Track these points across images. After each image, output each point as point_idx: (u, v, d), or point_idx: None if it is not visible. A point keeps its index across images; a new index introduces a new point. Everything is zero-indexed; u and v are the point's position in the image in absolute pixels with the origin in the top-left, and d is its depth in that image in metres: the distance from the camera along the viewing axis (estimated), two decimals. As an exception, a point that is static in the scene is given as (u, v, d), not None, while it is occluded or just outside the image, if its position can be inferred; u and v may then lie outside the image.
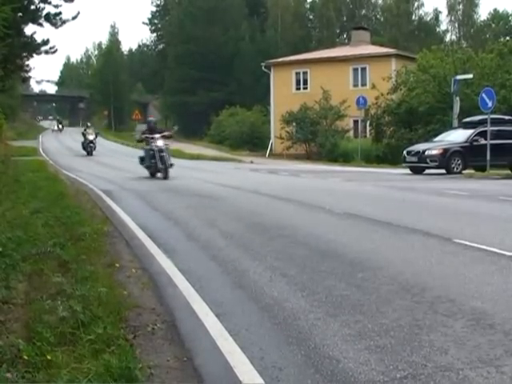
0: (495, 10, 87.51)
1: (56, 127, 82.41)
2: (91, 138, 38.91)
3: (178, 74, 71.74)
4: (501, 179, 21.41)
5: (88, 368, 3.78)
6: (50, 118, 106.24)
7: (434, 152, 23.83)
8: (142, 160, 21.00)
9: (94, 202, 13.21)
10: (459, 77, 30.33)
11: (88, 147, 38.50)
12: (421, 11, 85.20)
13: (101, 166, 29.10)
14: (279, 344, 4.38)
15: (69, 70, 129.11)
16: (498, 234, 8.69)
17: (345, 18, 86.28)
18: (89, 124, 43.46)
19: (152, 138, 20.05)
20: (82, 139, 39.74)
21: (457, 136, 24.86)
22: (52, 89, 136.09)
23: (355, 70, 45.67)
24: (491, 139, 22.47)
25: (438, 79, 34.44)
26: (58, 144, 55.37)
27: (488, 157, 22.32)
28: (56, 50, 30.01)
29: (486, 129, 22.78)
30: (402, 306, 5.18)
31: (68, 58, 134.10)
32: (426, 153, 23.90)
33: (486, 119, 22.85)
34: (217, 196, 14.52)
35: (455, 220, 10.47)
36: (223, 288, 6.03)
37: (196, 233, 9.37)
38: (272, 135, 47.96)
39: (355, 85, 45.22)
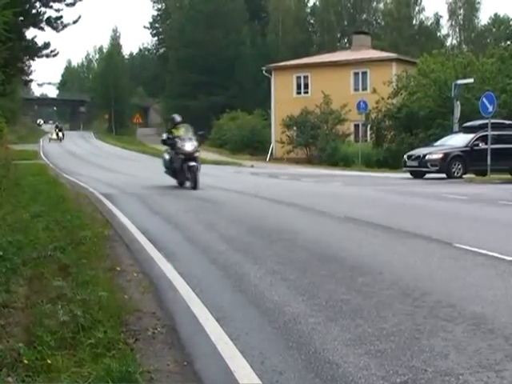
0: (496, 14, 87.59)
1: (55, 135, 67.17)
2: (189, 148, 17.50)
3: (178, 78, 71.80)
4: (501, 184, 21.41)
5: (88, 372, 3.79)
6: (51, 122, 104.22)
7: (435, 156, 23.83)
8: None
9: (95, 205, 13.23)
10: (460, 81, 30.36)
11: (186, 171, 17.26)
12: (421, 15, 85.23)
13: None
14: (279, 348, 4.38)
15: (70, 73, 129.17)
16: (499, 239, 8.69)
17: (346, 23, 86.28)
18: (177, 118, 18.81)
19: None
20: (165, 153, 18.76)
21: (457, 140, 24.86)
22: (53, 92, 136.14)
23: (356, 74, 45.72)
24: (492, 144, 22.49)
25: (438, 84, 34.44)
26: (60, 148, 55.30)
27: (488, 161, 22.33)
28: (57, 54, 30.13)
29: (486, 133, 22.80)
30: (402, 310, 5.18)
31: (69, 62, 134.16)
32: (427, 157, 23.90)
33: (487, 124, 22.87)
34: (217, 200, 14.53)
35: (456, 224, 10.48)
36: (223, 292, 6.03)
37: (196, 237, 9.37)
38: (273, 139, 47.98)
39: (356, 89, 45.25)
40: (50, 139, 65.98)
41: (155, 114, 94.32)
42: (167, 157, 18.39)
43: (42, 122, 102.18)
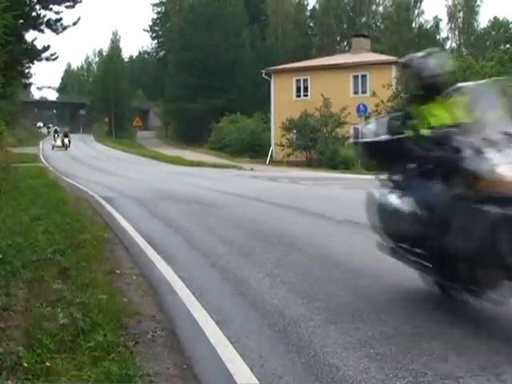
0: (495, 17, 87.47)
1: (59, 142, 57.89)
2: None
3: (178, 81, 71.81)
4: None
5: (88, 375, 3.79)
6: (50, 125, 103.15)
7: (435, 159, 23.81)
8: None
9: (94, 208, 13.22)
10: (459, 84, 30.36)
11: None
12: (421, 19, 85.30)
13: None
14: (279, 351, 4.38)
15: (70, 76, 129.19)
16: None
17: (345, 26, 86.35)
18: (433, 66, 5.55)
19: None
20: (389, 192, 5.94)
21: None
22: (53, 95, 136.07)
23: (355, 77, 45.71)
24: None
25: (438, 87, 34.46)
26: (60, 152, 55.18)
27: (488, 164, 22.31)
28: (57, 57, 30.12)
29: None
30: (402, 313, 5.18)
31: (69, 65, 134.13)
32: (427, 160, 23.87)
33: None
34: (217, 203, 14.52)
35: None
36: (223, 295, 6.02)
37: (196, 240, 9.37)
38: (272, 142, 47.97)
39: (355, 92, 45.25)
40: (54, 146, 56.84)
41: (155, 117, 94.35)
42: (409, 209, 5.39)
43: (42, 125, 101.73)
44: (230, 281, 6.59)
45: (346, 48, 73.56)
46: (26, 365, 3.88)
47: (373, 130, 6.13)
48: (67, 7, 28.47)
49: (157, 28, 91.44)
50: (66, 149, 55.32)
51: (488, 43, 78.67)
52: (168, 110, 78.94)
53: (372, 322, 4.95)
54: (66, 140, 57.40)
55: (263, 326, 4.98)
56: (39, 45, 29.74)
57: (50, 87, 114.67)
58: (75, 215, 10.74)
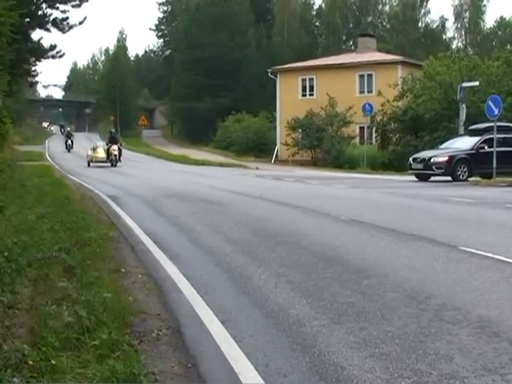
0: (502, 17, 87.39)
1: (102, 152, 35.78)
2: None
3: (184, 80, 71.88)
4: (507, 187, 21.34)
5: (93, 373, 3.79)
6: (61, 123, 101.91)
7: (440, 159, 23.79)
8: None
9: (100, 206, 13.24)
10: (465, 84, 30.30)
11: None
12: (427, 18, 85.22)
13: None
14: (284, 351, 4.38)
15: (75, 75, 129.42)
16: (504, 242, 8.66)
17: (351, 25, 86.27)
18: None
19: None
20: None
21: (463, 143, 24.82)
22: (59, 93, 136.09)
23: (361, 76, 45.66)
24: (497, 147, 22.43)
25: (444, 86, 34.40)
26: (66, 150, 55.18)
27: (494, 164, 22.25)
28: (63, 55, 30.20)
29: (492, 136, 22.73)
30: (407, 313, 5.17)
31: (75, 64, 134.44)
32: (432, 160, 23.85)
33: (492, 127, 22.80)
34: (222, 202, 14.53)
35: (461, 227, 10.45)
36: (228, 294, 6.02)
37: (201, 239, 9.38)
38: (278, 141, 47.97)
39: (361, 91, 45.19)
40: (92, 160, 35.33)
41: (160, 116, 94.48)
42: None
43: (46, 125, 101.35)
44: (234, 279, 6.59)
45: (352, 47, 73.52)
46: (31, 363, 3.88)
47: None
48: (73, 6, 28.55)
49: (163, 27, 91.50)
50: (115, 165, 34.46)
51: (494, 43, 78.61)
52: (173, 108, 79.04)
53: (377, 322, 4.94)
54: (115, 148, 34.96)
55: (268, 325, 4.97)
56: (45, 43, 29.83)
57: (56, 85, 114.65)
58: (81, 213, 10.75)
